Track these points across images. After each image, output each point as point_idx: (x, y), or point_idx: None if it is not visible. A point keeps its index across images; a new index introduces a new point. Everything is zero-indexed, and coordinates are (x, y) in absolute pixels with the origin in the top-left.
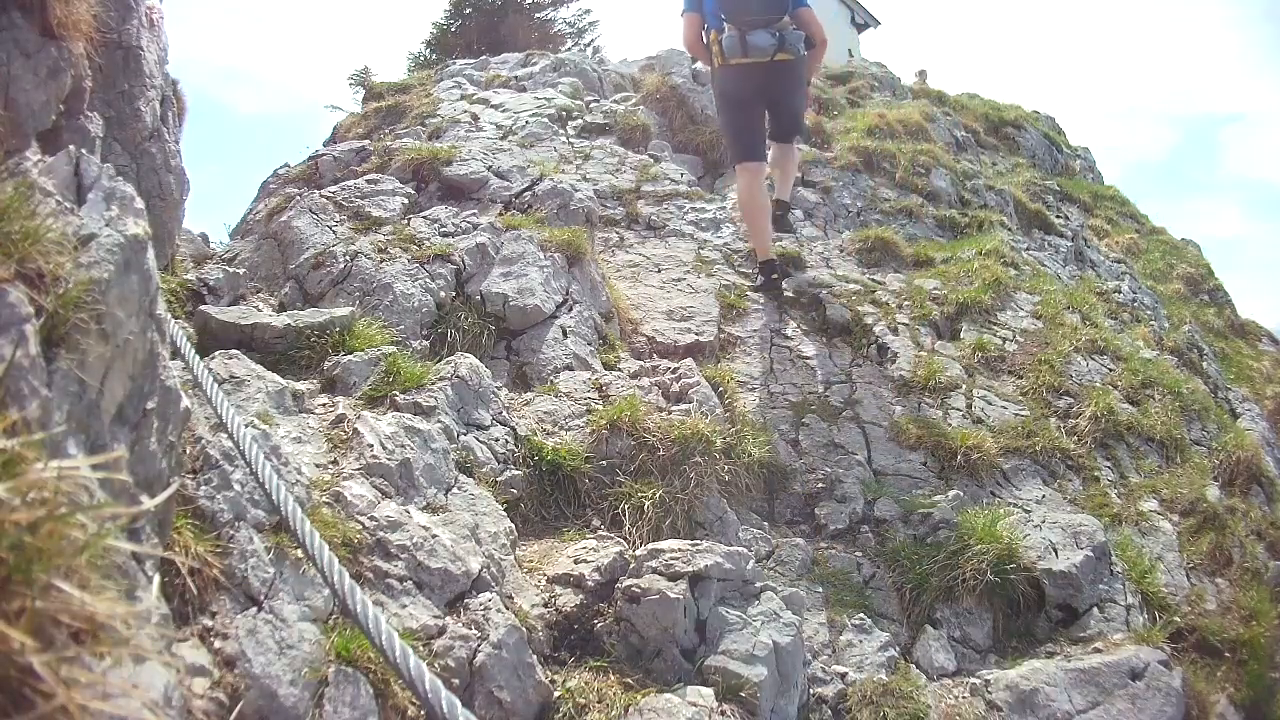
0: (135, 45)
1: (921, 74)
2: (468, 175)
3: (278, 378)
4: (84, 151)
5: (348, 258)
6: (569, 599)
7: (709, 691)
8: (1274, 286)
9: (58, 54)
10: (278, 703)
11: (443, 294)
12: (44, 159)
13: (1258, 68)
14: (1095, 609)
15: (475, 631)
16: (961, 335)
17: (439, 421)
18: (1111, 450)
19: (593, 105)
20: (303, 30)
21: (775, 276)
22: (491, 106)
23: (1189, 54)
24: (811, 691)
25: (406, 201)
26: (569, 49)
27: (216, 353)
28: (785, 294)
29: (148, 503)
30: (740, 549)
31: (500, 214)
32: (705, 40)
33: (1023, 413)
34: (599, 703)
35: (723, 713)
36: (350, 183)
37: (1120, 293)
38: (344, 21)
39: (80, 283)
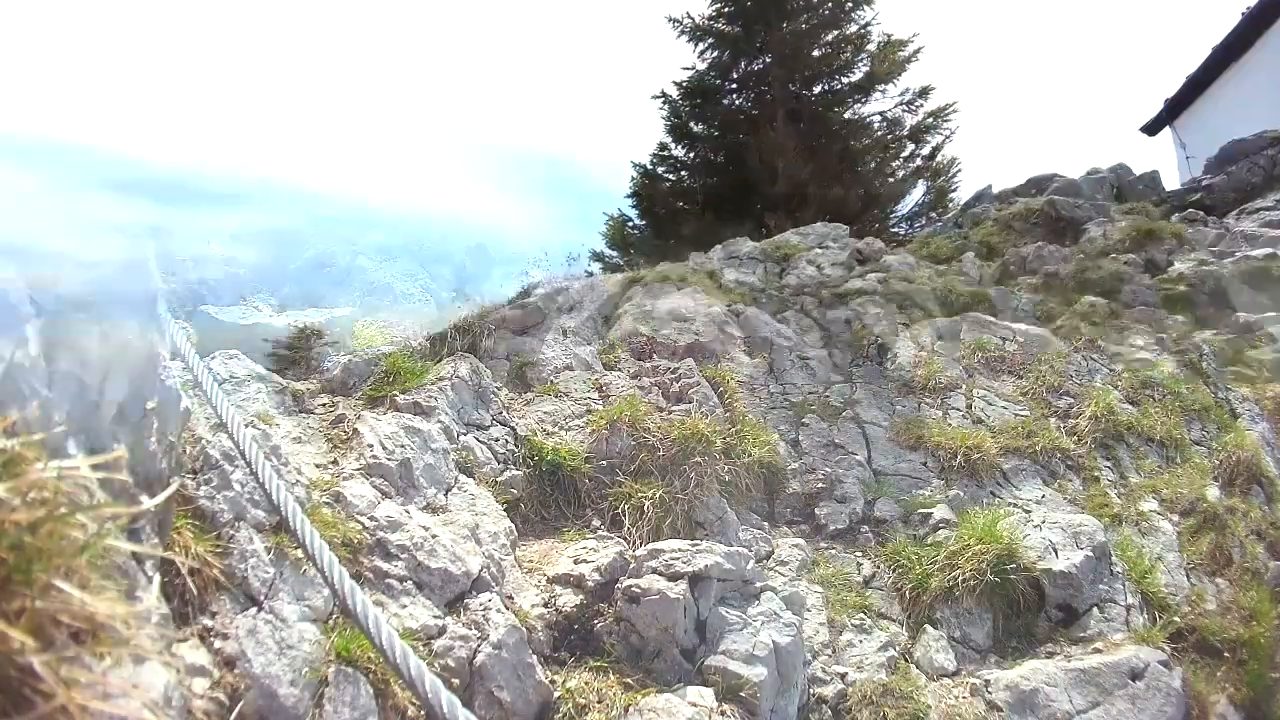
0: None
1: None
2: None
3: (278, 378)
4: None
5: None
6: (569, 599)
7: (709, 691)
8: None
9: None
10: (278, 703)
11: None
12: None
13: None
14: (1095, 609)
15: (475, 631)
16: (962, 335)
17: (439, 421)
18: (1111, 450)
19: None
20: None
21: None
22: None
23: None
24: (811, 691)
25: None
26: None
27: (216, 353)
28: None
29: (148, 503)
30: (740, 549)
31: None
32: None
33: (1023, 413)
34: (599, 703)
35: (723, 713)
36: None
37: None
38: None
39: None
